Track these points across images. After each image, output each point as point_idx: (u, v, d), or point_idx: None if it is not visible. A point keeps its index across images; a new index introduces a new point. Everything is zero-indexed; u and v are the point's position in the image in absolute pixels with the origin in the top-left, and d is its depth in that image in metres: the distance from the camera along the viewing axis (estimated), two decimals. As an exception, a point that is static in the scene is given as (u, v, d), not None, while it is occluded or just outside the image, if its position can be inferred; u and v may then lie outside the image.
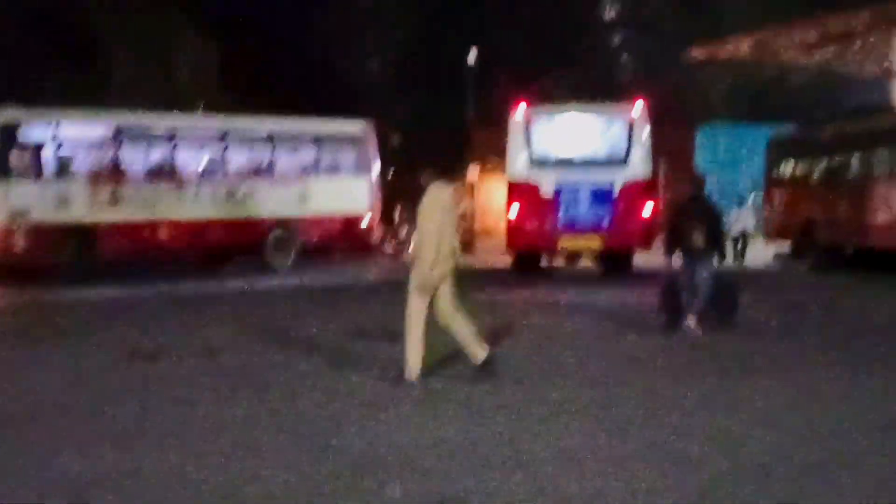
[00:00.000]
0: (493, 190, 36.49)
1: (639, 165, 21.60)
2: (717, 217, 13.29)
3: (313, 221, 25.38)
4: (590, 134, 22.09)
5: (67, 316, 15.69)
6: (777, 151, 27.57)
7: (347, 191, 26.41)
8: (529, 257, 23.02)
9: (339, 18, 44.44)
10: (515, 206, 21.88)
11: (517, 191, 21.93)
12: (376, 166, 27.22)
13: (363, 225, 26.88)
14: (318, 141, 26.40)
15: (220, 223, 23.87)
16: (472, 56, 38.82)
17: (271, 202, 24.74)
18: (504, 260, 23.71)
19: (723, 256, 13.53)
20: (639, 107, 21.76)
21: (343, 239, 26.76)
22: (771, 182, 27.28)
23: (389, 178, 42.98)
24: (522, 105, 21.94)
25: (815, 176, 25.52)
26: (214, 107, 29.79)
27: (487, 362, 9.68)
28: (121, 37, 38.01)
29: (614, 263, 22.64)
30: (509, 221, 22.24)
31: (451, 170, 10.67)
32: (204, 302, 17.90)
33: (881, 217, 21.63)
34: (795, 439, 7.39)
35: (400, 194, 37.54)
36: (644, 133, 21.66)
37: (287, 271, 23.98)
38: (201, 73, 41.16)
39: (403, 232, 34.41)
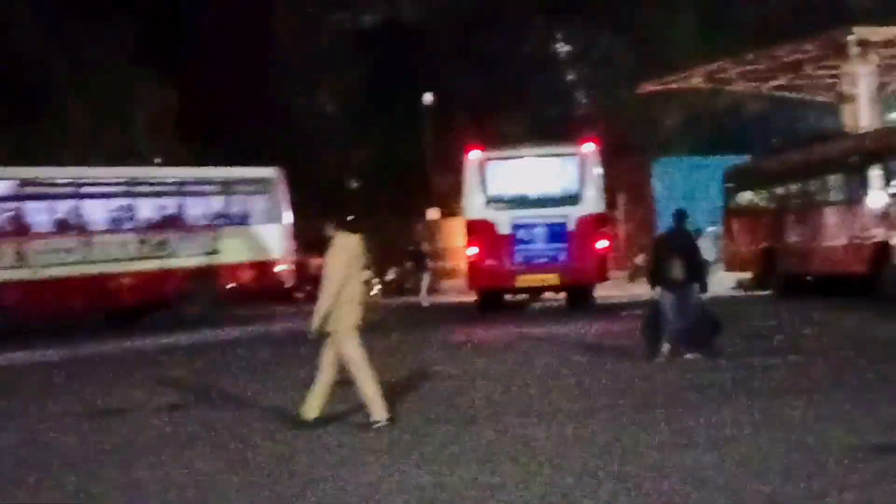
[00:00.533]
0: (454, 230, 36.60)
1: (592, 202, 22.72)
2: (696, 250, 13.85)
3: (227, 269, 25.00)
4: (544, 174, 23.18)
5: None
6: (733, 182, 27.83)
7: (260, 237, 26.16)
8: (493, 294, 23.65)
9: (295, 63, 44.53)
10: (474, 246, 23.04)
11: (475, 230, 23.09)
12: (288, 212, 26.87)
13: (278, 271, 26.63)
14: (228, 188, 26.21)
15: (130, 276, 23.27)
16: (427, 97, 39.01)
17: (183, 252, 24.37)
18: (471, 297, 23.86)
19: (703, 288, 13.84)
20: (589, 147, 22.99)
21: (258, 286, 26.43)
22: (729, 213, 27.50)
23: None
24: (476, 151, 23.24)
25: (773, 205, 25.77)
26: (172, 158, 29.80)
27: (378, 421, 9.64)
28: (77, 90, 37.87)
29: (575, 297, 23.55)
30: (469, 260, 23.41)
31: (356, 221, 10.92)
32: (129, 360, 17.38)
33: (838, 243, 21.84)
34: (773, 477, 7.29)
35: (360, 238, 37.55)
36: (595, 171, 22.87)
37: (204, 322, 23.10)
38: (158, 123, 41.01)
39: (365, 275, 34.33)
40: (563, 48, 55.92)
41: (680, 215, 14.20)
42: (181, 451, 9.23)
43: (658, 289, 13.52)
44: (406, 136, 43.82)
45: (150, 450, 9.33)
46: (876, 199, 20.27)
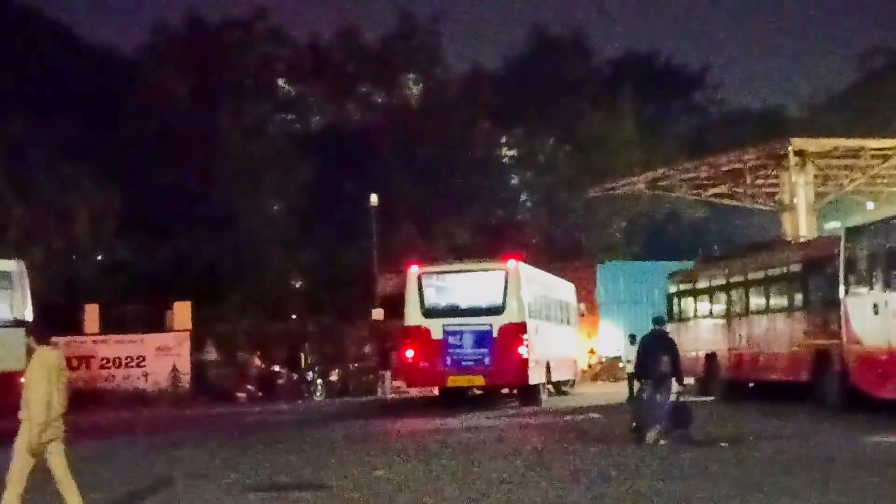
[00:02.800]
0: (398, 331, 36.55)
1: (514, 312, 24.78)
2: (675, 349, 16.03)
3: None
4: (472, 287, 25.73)
5: None
6: (676, 287, 28.10)
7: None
8: (455, 390, 25.80)
9: (241, 163, 44.66)
10: (411, 349, 25.36)
11: (412, 335, 25.35)
12: (29, 309, 21.46)
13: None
14: None
15: None
16: (374, 199, 39.23)
17: None
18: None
19: (681, 381, 16.01)
20: (513, 264, 25.35)
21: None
22: (671, 317, 27.68)
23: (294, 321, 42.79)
24: (415, 266, 25.79)
25: (715, 311, 26.02)
26: (113, 256, 29.49)
27: None
28: (16, 188, 37.60)
29: (525, 395, 26.03)
30: (406, 362, 25.88)
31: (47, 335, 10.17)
32: None
33: (779, 350, 22.06)
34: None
35: (304, 338, 37.35)
36: (518, 284, 25.00)
37: None
38: (100, 222, 40.69)
39: (309, 375, 34.11)
40: (507, 153, 56.81)
41: (659, 320, 16.70)
42: None
43: (644, 381, 15.87)
44: (351, 237, 43.95)
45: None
46: (816, 307, 20.55)
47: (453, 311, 25.26)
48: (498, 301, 24.95)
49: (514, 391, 27.13)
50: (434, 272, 26.13)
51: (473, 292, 25.57)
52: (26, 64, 43.67)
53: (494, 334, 24.41)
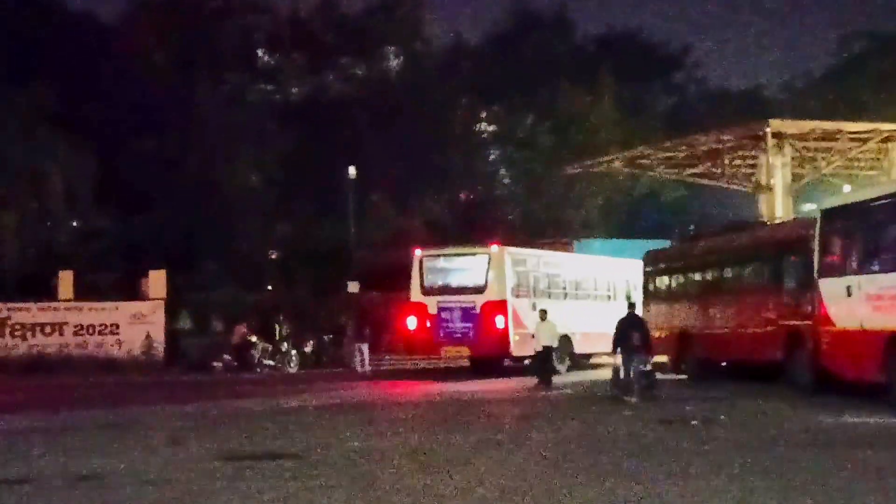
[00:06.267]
0: (375, 305, 36.57)
1: (494, 291, 27.94)
2: (645, 327, 20.97)
3: None
4: (462, 268, 29.25)
5: None
6: (652, 266, 28.20)
7: None
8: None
9: (218, 133, 44.37)
10: (412, 320, 28.89)
11: (413, 310, 28.89)
12: None
13: None
14: None
15: None
16: (351, 171, 39.16)
17: None
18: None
19: (650, 352, 20.44)
20: (494, 249, 28.62)
21: None
22: (647, 296, 27.81)
23: (269, 292, 42.73)
24: (418, 250, 29.57)
25: (690, 290, 26.14)
26: (89, 223, 29.25)
27: None
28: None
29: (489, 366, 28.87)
30: (408, 333, 29.42)
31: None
32: None
33: (752, 330, 22.17)
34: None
35: (279, 309, 37.33)
36: (499, 266, 28.09)
37: None
38: (76, 189, 40.40)
39: (284, 346, 34.14)
40: (486, 128, 56.68)
41: (632, 305, 21.94)
42: None
43: (619, 352, 20.03)
44: (328, 209, 43.83)
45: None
46: (790, 288, 20.67)
47: (446, 290, 28.70)
48: (481, 281, 28.21)
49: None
50: (433, 255, 29.62)
51: (462, 273, 29.01)
52: (2, 30, 43.19)
53: (477, 310, 27.53)
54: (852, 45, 54.16)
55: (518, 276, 28.69)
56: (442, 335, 28.23)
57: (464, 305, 28.06)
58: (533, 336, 25.11)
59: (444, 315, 28.18)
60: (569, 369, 28.80)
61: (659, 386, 20.29)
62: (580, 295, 31.17)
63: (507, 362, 29.27)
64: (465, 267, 29.15)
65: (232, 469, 11.26)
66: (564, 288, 30.81)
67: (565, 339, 28.00)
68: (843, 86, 48.61)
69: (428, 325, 28.34)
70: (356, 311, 35.11)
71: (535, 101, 52.37)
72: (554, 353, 25.35)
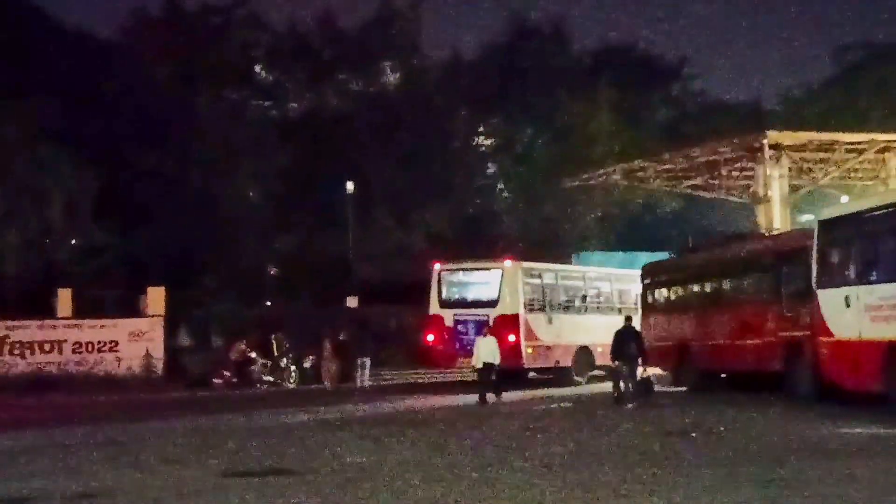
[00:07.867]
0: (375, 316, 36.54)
1: (507, 305, 28.74)
2: (641, 338, 22.47)
3: None
4: (476, 282, 30.22)
5: None
6: (650, 278, 28.23)
7: None
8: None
9: (218, 148, 44.45)
10: (431, 334, 29.92)
11: (432, 323, 29.92)
12: None
13: None
14: None
15: None
16: (350, 186, 39.25)
17: None
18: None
19: (646, 361, 22.23)
20: (507, 264, 29.39)
21: None
22: (646, 308, 27.85)
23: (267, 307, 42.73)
24: (437, 264, 30.40)
25: (689, 302, 26.16)
26: (89, 240, 29.29)
27: None
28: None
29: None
30: (427, 345, 30.28)
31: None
32: None
33: (751, 341, 22.20)
34: None
35: (278, 324, 37.24)
36: (511, 281, 28.89)
37: None
38: (77, 205, 40.42)
39: (283, 362, 34.02)
40: (485, 141, 56.73)
41: (629, 318, 23.15)
42: None
43: (618, 361, 21.81)
44: (328, 223, 43.88)
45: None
46: (789, 299, 20.70)
47: (462, 303, 29.78)
48: (494, 295, 29.06)
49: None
50: (451, 269, 30.60)
51: (478, 287, 30.04)
52: (3, 45, 43.27)
53: (490, 323, 27.36)
54: (849, 55, 54.22)
55: (532, 289, 29.46)
56: (458, 347, 28.95)
57: (478, 318, 28.58)
58: (548, 349, 27.22)
59: (460, 328, 29.09)
60: (588, 381, 29.42)
61: (654, 394, 22.11)
62: (601, 308, 31.08)
63: (531, 374, 30.07)
64: (480, 281, 30.11)
65: (233, 486, 11.27)
66: (585, 301, 31.05)
67: (586, 352, 29.39)
68: (840, 96, 48.66)
69: (445, 336, 29.35)
70: (358, 325, 34.88)
71: (533, 114, 52.45)
72: (494, 369, 24.56)
